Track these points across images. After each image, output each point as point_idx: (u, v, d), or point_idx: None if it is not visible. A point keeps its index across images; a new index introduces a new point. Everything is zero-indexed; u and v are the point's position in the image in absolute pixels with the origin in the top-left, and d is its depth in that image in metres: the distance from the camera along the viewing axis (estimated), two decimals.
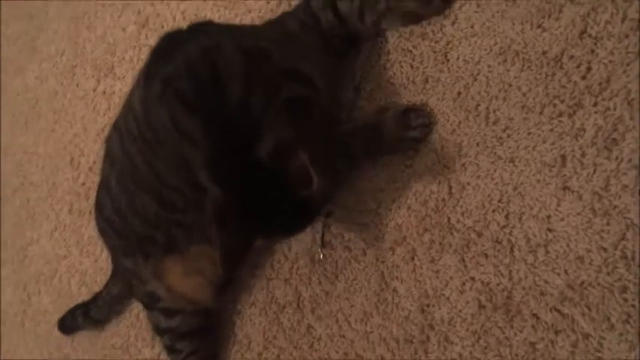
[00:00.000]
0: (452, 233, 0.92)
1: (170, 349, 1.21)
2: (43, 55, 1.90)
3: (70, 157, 1.71)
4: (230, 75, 0.91)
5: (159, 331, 1.22)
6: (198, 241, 1.10)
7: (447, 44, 0.96)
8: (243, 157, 0.87)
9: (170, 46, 1.03)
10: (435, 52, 0.97)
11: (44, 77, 1.88)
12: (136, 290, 1.25)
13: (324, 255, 1.07)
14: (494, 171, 0.89)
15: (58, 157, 1.76)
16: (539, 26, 0.86)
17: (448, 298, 0.91)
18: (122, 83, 1.61)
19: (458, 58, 0.94)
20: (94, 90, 1.69)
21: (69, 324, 1.48)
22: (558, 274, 0.81)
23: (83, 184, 1.65)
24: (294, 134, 0.88)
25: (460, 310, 0.89)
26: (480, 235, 0.89)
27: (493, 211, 0.88)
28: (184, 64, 0.94)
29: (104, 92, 1.66)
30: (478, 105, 0.91)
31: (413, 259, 0.96)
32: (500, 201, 0.88)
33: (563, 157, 0.82)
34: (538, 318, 0.82)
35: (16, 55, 2.00)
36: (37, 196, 1.81)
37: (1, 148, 1.99)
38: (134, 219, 1.13)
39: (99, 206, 1.26)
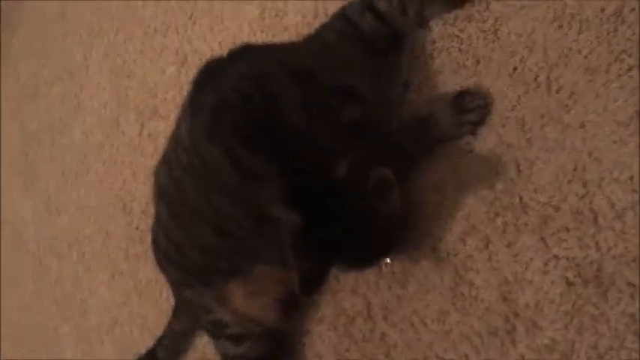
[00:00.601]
0: (526, 212, 0.87)
1: None
2: (87, 110, 1.94)
3: (122, 203, 1.72)
4: (285, 102, 0.91)
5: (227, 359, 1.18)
6: (259, 262, 1.07)
7: (496, 21, 0.93)
8: (317, 182, 0.87)
9: (210, 74, 1.03)
10: (483, 31, 0.94)
11: (90, 131, 1.91)
12: (202, 321, 1.21)
13: (390, 260, 1.03)
14: (564, 140, 0.84)
15: (109, 206, 1.77)
16: None
17: (531, 281, 0.85)
18: (166, 123, 1.62)
19: (509, 33, 0.91)
20: (140, 134, 1.71)
21: None
22: None
23: (137, 228, 1.65)
24: (364, 153, 0.88)
25: (546, 292, 0.83)
26: (557, 209, 0.84)
27: (569, 182, 0.83)
28: (231, 92, 0.95)
29: (149, 135, 1.68)
30: (537, 76, 0.88)
31: (487, 246, 0.90)
32: (575, 170, 0.83)
33: (639, 113, 0.77)
34: (635, 286, 0.76)
35: (63, 114, 2.05)
36: (91, 248, 1.81)
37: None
38: (191, 249, 1.11)
39: (154, 241, 1.24)
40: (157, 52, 1.68)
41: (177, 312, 1.32)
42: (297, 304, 1.14)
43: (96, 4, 1.94)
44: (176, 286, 1.25)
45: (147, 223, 1.56)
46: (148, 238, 1.32)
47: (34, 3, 2.31)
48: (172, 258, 1.17)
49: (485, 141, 0.92)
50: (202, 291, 1.14)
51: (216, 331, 1.17)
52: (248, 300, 1.10)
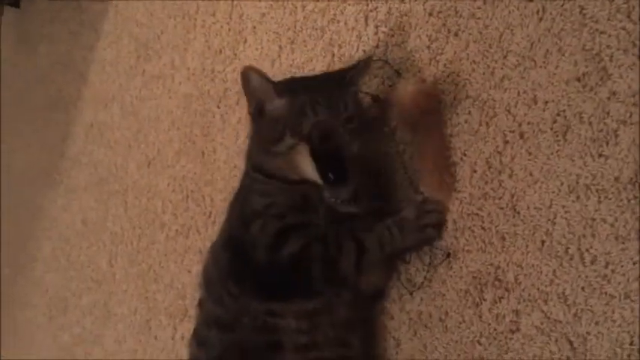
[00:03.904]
0: None
1: None
2: (117, 318, 1.93)
3: None
4: None
5: None
6: None
7: (512, 197, 0.94)
8: None
9: None
10: (502, 208, 0.95)
11: (122, 339, 1.90)
12: None
13: None
14: (613, 312, 0.81)
15: None
16: (600, 155, 0.84)
17: None
18: None
19: (528, 208, 0.91)
20: (173, 338, 1.69)
21: None
22: None
23: None
24: None
25: None
26: None
27: (628, 355, 0.79)
28: None
29: (182, 338, 1.65)
30: (567, 248, 0.87)
31: None
32: (631, 344, 0.79)
33: None
34: None
35: (94, 324, 2.04)
36: None
37: None
38: None
39: None
40: (181, 253, 1.70)
41: None
42: None
43: (116, 210, 2.01)
44: None
45: None
46: None
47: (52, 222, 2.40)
48: None
49: (531, 318, 0.90)
50: None
51: None
52: None
